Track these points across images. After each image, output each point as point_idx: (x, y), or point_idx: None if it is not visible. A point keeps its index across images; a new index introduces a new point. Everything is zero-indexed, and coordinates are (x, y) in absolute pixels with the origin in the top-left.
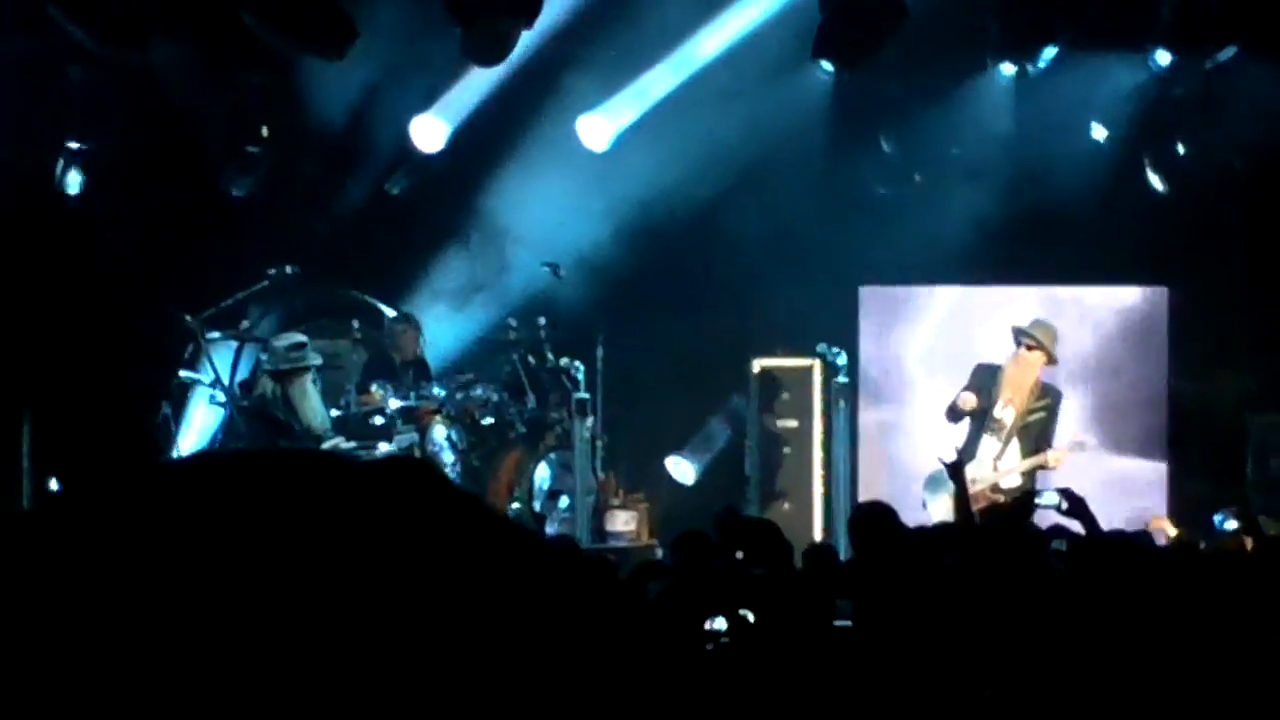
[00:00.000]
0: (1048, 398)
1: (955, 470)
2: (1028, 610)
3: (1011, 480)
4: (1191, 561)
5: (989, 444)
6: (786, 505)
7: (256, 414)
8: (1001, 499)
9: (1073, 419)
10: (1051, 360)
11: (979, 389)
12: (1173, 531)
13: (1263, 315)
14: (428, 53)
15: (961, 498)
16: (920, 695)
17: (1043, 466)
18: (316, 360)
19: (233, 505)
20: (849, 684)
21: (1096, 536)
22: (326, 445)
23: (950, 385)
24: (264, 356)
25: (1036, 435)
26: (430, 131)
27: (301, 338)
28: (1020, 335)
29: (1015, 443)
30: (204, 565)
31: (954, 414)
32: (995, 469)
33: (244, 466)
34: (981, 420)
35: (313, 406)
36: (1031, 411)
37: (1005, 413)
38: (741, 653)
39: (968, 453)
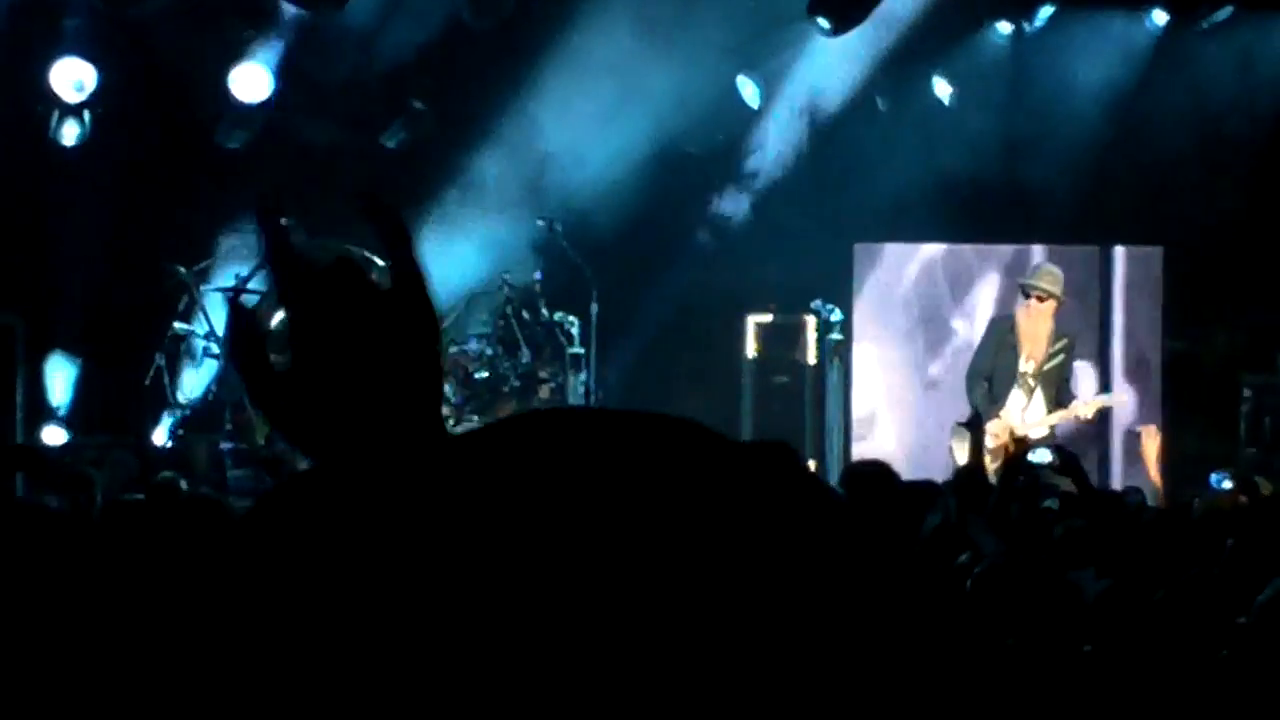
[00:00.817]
0: (1063, 339)
1: (973, 426)
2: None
3: (1039, 432)
4: (1183, 520)
5: (1016, 397)
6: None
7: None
8: None
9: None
10: (1061, 304)
11: (996, 346)
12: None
13: (1256, 275)
14: (421, 6)
15: (976, 454)
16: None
17: (1076, 418)
18: None
19: (616, 468)
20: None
21: (1087, 493)
22: None
23: (944, 341)
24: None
25: (1057, 380)
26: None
27: None
28: (1027, 289)
29: (1039, 393)
30: (577, 527)
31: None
32: (1023, 421)
33: (632, 428)
34: (1006, 378)
35: None
36: (1050, 358)
37: (1027, 365)
38: None
39: (995, 408)
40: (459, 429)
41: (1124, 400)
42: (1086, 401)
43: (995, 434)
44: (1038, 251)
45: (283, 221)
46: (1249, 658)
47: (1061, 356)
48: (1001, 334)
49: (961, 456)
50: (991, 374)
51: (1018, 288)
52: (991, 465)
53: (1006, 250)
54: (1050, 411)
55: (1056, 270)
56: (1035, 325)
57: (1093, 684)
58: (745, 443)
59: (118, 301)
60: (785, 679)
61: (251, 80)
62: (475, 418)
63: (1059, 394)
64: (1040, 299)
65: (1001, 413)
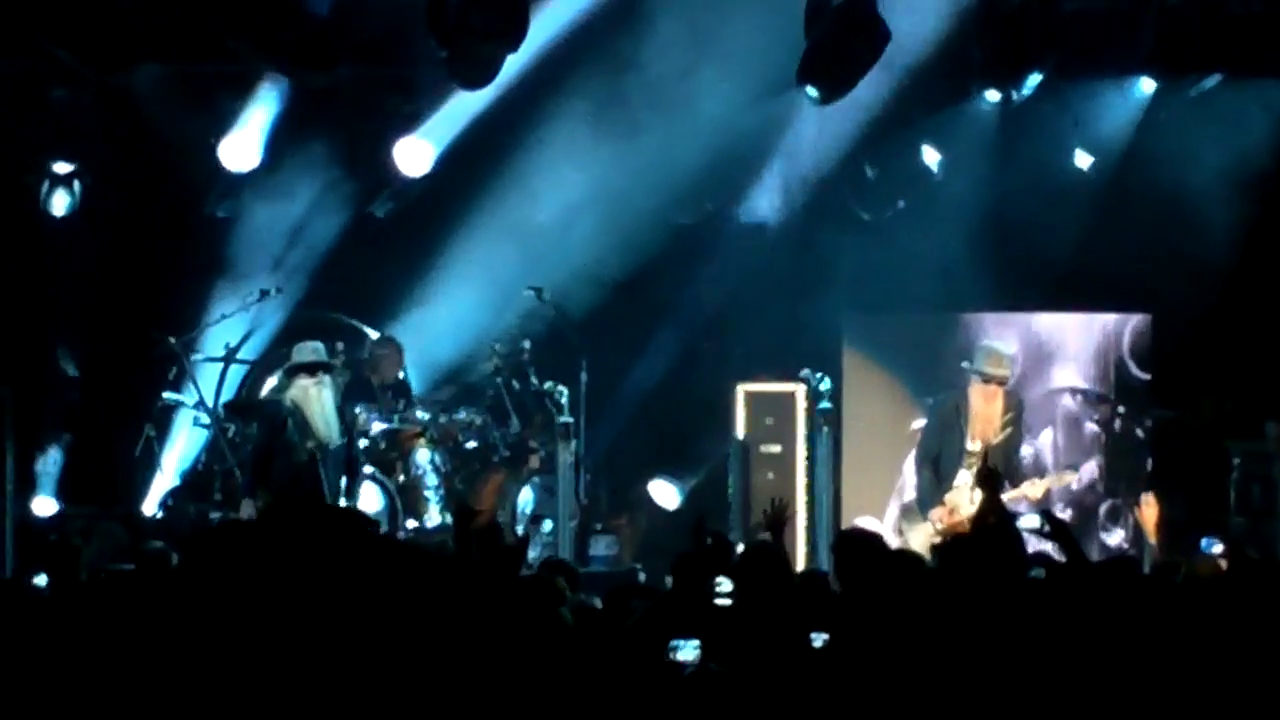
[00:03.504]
0: (1010, 412)
1: (987, 480)
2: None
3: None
4: (1170, 587)
5: (963, 477)
6: (765, 535)
7: (262, 413)
8: None
9: (1051, 443)
10: (1000, 380)
11: (941, 427)
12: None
13: (1244, 343)
14: (412, 76)
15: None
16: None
17: (1025, 498)
18: (336, 361)
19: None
20: (825, 709)
21: (1077, 561)
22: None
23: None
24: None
25: (1005, 451)
26: (416, 154)
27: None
28: (974, 375)
29: None
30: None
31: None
32: (972, 501)
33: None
34: (953, 458)
35: (323, 413)
36: (998, 432)
37: (974, 445)
38: (714, 678)
39: (941, 490)
40: (446, 499)
41: (1074, 479)
42: (1034, 482)
43: (940, 518)
44: (1025, 319)
45: None
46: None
47: (1009, 429)
48: (946, 415)
49: (912, 537)
50: (938, 455)
51: (972, 374)
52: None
53: (995, 318)
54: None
55: (1002, 348)
56: (987, 407)
57: None
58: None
59: (107, 371)
60: None
61: (241, 149)
62: (463, 487)
63: (1007, 470)
64: (988, 380)
65: (947, 496)
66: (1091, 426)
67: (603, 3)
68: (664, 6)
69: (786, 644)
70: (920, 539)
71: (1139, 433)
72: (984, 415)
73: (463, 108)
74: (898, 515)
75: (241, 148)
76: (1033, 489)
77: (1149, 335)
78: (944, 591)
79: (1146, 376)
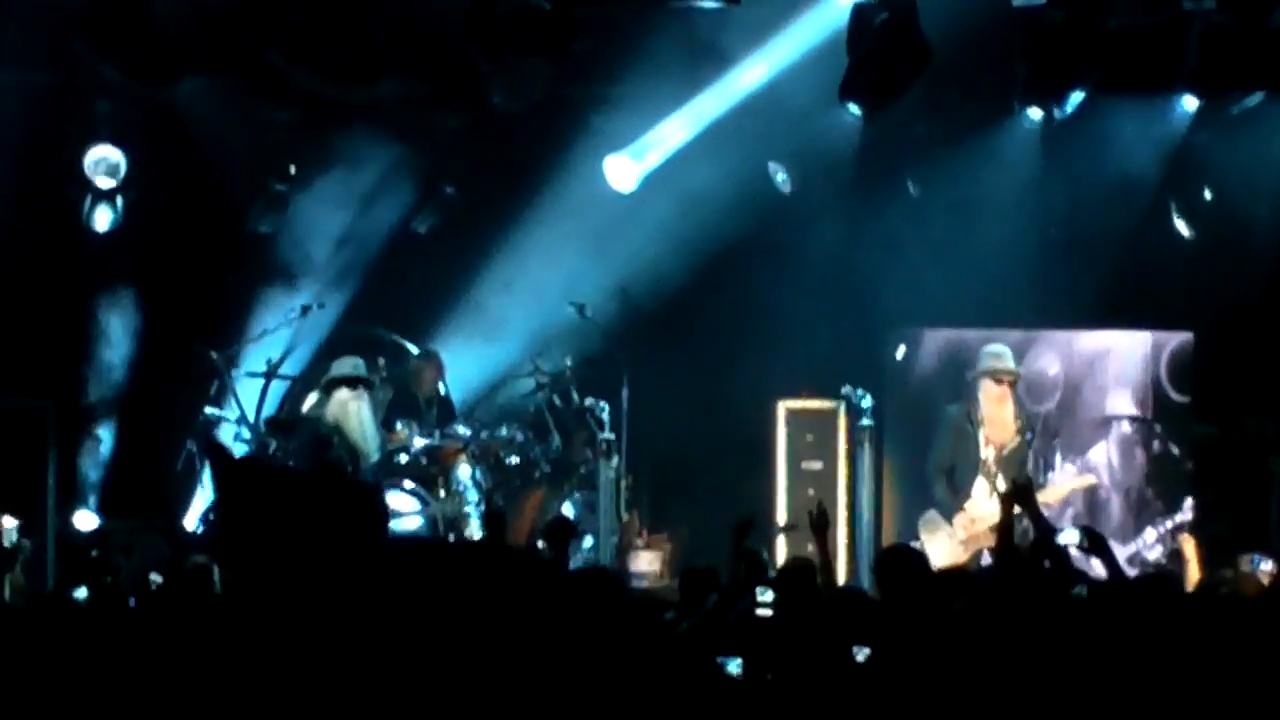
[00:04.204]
0: (1019, 420)
1: (1020, 496)
2: (1046, 654)
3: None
4: (1212, 603)
5: (980, 485)
6: (810, 547)
7: (302, 428)
8: None
9: (1106, 464)
10: (1016, 379)
11: (955, 437)
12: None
13: None
14: (456, 91)
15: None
16: None
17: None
18: (375, 377)
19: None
20: None
21: (1117, 577)
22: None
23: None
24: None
25: (1018, 463)
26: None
27: (360, 360)
28: (984, 377)
29: (1001, 480)
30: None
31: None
32: (991, 509)
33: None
34: (968, 468)
35: (361, 428)
36: (1012, 441)
37: (988, 452)
38: (756, 692)
39: (959, 499)
40: (486, 515)
41: (1091, 482)
42: (1055, 486)
43: (963, 525)
44: (1071, 335)
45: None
46: None
47: (1019, 439)
48: (959, 424)
49: (931, 548)
50: (952, 466)
51: (980, 377)
52: (964, 557)
53: (1037, 336)
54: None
55: (1003, 349)
56: (999, 410)
57: None
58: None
59: (149, 385)
60: None
61: (286, 163)
62: (504, 503)
63: (1020, 476)
64: (1001, 382)
65: (967, 504)
66: (1141, 449)
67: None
68: (718, 20)
69: (827, 657)
70: (941, 549)
71: (1175, 452)
72: (997, 419)
73: (504, 123)
74: (917, 526)
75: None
76: (1052, 493)
77: (1188, 356)
78: (990, 609)
79: (1184, 399)
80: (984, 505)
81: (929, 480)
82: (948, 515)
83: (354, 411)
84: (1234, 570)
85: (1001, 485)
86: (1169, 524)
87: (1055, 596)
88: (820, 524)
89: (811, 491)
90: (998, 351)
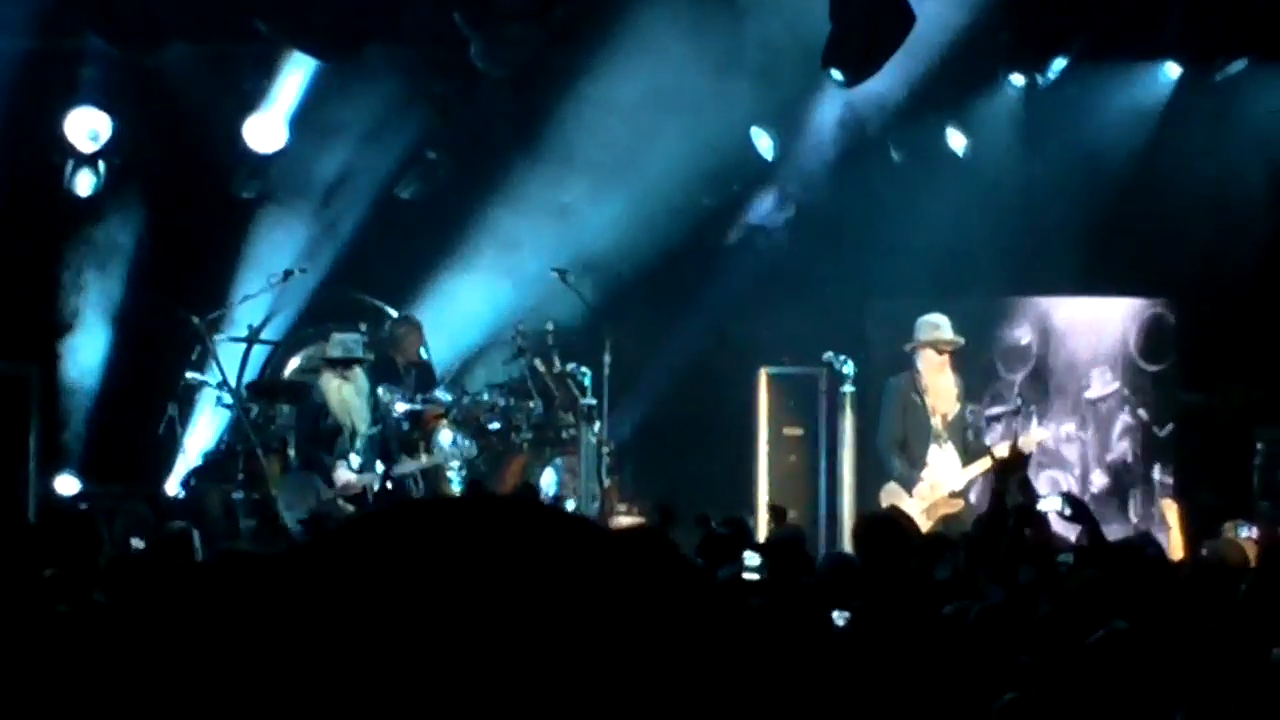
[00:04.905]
0: (958, 389)
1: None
2: (1029, 621)
3: (959, 486)
4: (1196, 568)
5: (935, 453)
6: (792, 513)
7: (300, 398)
8: (960, 504)
9: (1078, 435)
10: (953, 345)
11: (902, 408)
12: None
13: (1270, 328)
14: (440, 56)
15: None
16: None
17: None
18: (368, 356)
19: (492, 556)
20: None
21: (1100, 543)
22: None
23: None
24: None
25: (961, 429)
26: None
27: (359, 335)
28: (926, 348)
29: (950, 446)
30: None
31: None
32: (945, 476)
33: (506, 518)
34: (922, 438)
35: (346, 409)
36: (951, 411)
37: (935, 420)
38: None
39: (917, 471)
40: (467, 479)
41: (1045, 436)
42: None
43: (921, 495)
44: (1049, 303)
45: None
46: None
47: (959, 406)
48: (906, 395)
49: None
50: (904, 438)
51: (920, 347)
52: (927, 526)
53: (1018, 302)
54: (965, 464)
55: (940, 318)
56: (940, 378)
57: None
58: (620, 532)
59: (131, 350)
60: None
61: (266, 130)
62: (484, 468)
63: (965, 444)
64: (943, 352)
65: (924, 473)
66: (1121, 418)
67: None
68: None
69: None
70: None
71: (1150, 419)
72: (940, 388)
73: (488, 88)
74: (880, 497)
75: (268, 128)
76: (1000, 451)
77: (1159, 325)
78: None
79: (1157, 368)
80: (940, 473)
81: (882, 456)
82: (908, 487)
83: (335, 390)
84: (1219, 538)
85: (951, 452)
86: (1148, 492)
87: (1040, 564)
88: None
89: (793, 457)
90: (937, 322)
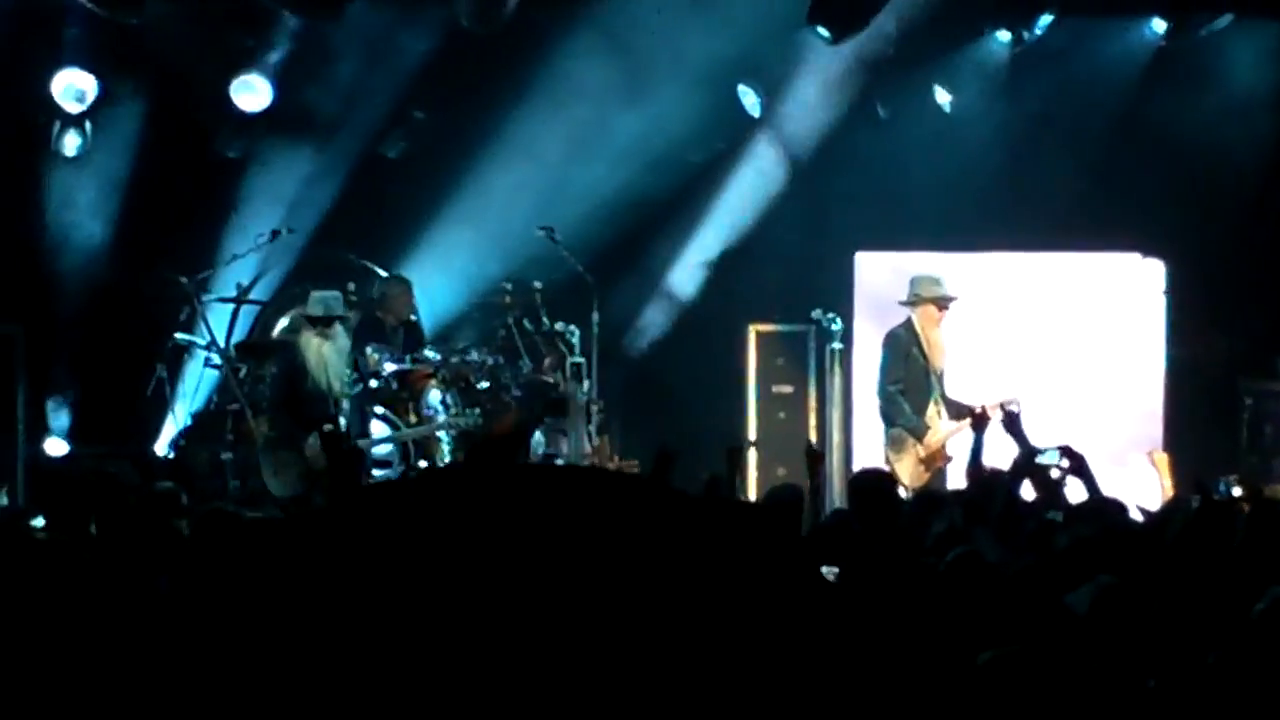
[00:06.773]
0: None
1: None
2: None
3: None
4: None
5: (932, 408)
6: (781, 470)
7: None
8: (952, 458)
9: (1067, 385)
10: (947, 302)
11: (904, 360)
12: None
13: (1257, 281)
14: (425, 14)
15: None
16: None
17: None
18: (348, 314)
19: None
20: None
21: (1097, 496)
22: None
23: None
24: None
25: (942, 386)
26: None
27: (338, 293)
28: (926, 303)
29: (941, 401)
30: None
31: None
32: (940, 429)
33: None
34: (922, 390)
35: (325, 368)
36: (942, 365)
37: (933, 376)
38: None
39: (922, 422)
40: (453, 434)
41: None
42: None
43: (928, 446)
44: (1037, 259)
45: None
46: (1245, 664)
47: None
48: (905, 346)
49: (899, 466)
50: (905, 390)
51: (921, 303)
52: (925, 476)
53: (1006, 258)
54: (952, 418)
55: (926, 275)
56: (937, 333)
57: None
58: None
59: (119, 311)
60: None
61: (252, 90)
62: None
63: (945, 400)
64: (944, 308)
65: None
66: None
67: None
68: None
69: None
70: (907, 468)
71: (1139, 374)
72: (936, 342)
73: (474, 46)
74: (885, 445)
75: (254, 88)
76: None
77: (1161, 275)
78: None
79: (1138, 322)
80: (937, 424)
81: (888, 400)
82: (918, 436)
83: (315, 349)
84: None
85: (943, 407)
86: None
87: (1031, 518)
88: (814, 459)
89: (782, 415)
90: (936, 278)
